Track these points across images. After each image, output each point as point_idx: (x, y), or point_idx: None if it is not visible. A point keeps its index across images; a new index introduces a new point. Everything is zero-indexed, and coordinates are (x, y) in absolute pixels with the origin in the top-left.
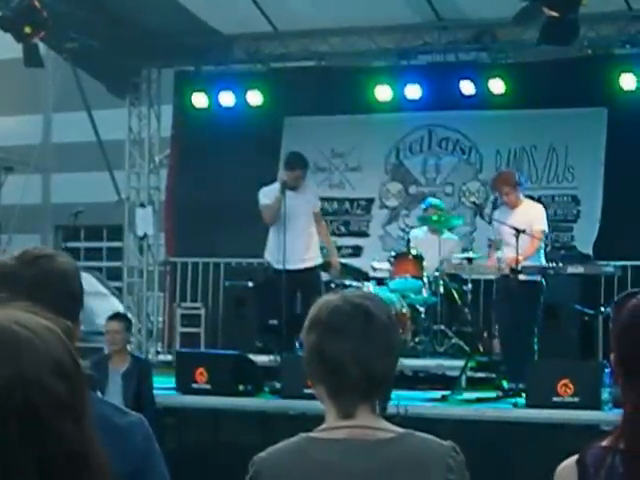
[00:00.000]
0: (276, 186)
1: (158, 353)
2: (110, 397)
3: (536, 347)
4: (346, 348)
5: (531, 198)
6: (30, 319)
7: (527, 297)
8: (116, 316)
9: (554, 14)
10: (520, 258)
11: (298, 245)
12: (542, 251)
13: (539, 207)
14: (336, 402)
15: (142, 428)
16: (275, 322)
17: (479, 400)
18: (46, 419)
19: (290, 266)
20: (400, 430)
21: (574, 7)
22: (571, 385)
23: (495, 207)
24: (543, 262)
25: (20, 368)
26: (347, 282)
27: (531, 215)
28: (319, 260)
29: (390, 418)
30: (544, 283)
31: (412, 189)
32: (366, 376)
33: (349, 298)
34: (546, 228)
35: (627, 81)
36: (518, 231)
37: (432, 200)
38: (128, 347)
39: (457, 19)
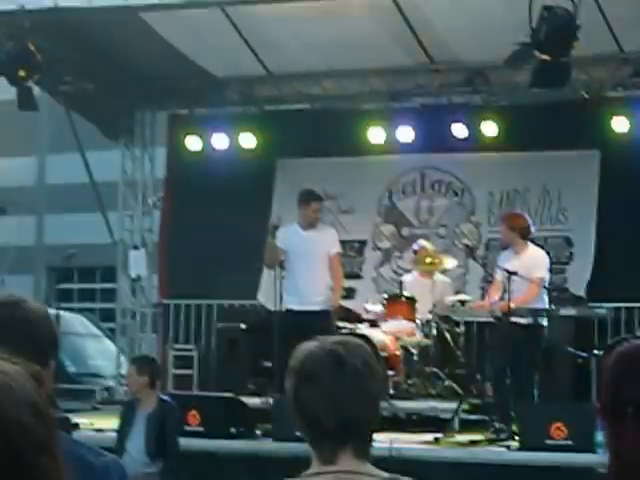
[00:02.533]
0: (289, 228)
1: None
2: (133, 439)
3: (536, 392)
4: (317, 395)
5: (532, 242)
6: (2, 364)
7: (525, 341)
8: (132, 359)
9: (546, 57)
10: (511, 303)
11: (304, 287)
12: (544, 297)
13: (541, 254)
14: (315, 448)
15: (117, 469)
16: (268, 364)
17: (472, 443)
18: (27, 458)
19: (293, 307)
20: (385, 475)
21: (566, 50)
22: (564, 428)
23: (504, 248)
24: None
25: (1, 411)
26: (340, 324)
27: (532, 261)
28: (329, 304)
29: (382, 461)
30: (544, 328)
31: (405, 231)
32: (339, 422)
33: (324, 344)
34: (545, 275)
35: (619, 124)
36: (510, 273)
37: (422, 243)
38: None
39: (449, 62)
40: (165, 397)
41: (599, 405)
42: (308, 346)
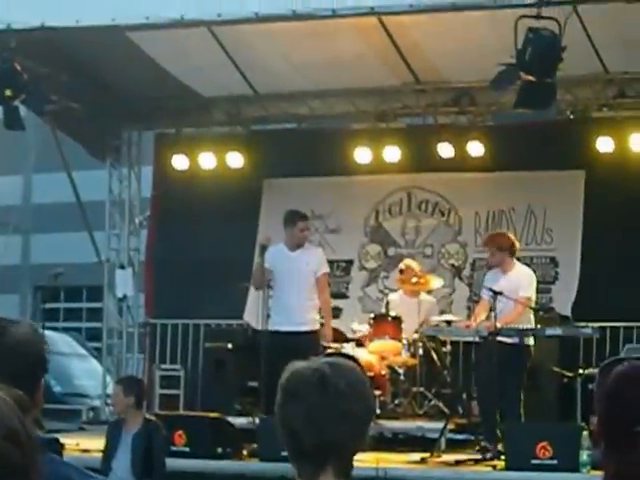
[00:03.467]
0: (276, 248)
1: None
2: (119, 459)
3: (522, 411)
4: (299, 413)
5: (519, 260)
6: None
7: (512, 360)
8: (118, 379)
9: (531, 78)
10: (497, 323)
11: (291, 307)
12: (530, 317)
13: (529, 273)
14: (296, 467)
15: None
16: (255, 384)
17: (458, 462)
18: None
19: (280, 327)
20: None
21: (551, 72)
22: (550, 447)
23: (490, 268)
24: None
25: None
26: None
27: (519, 281)
28: (316, 325)
29: None
30: (530, 347)
31: (391, 251)
32: (319, 442)
33: (312, 363)
34: (531, 295)
35: (604, 144)
36: (495, 293)
37: (406, 262)
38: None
39: (436, 82)
40: (151, 417)
41: (599, 425)
42: (297, 364)
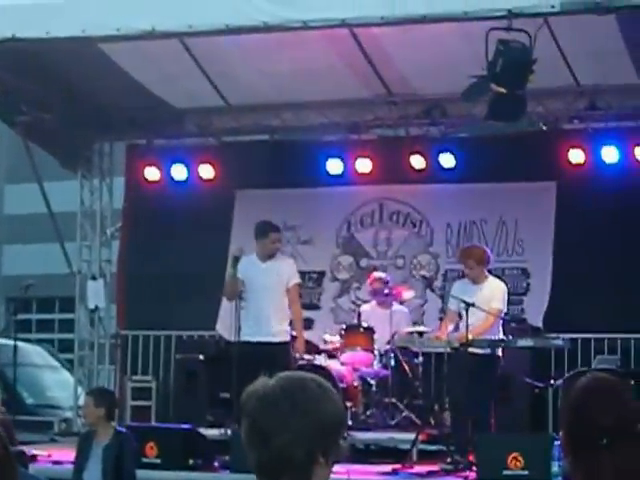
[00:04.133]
0: (247, 259)
1: None
2: (90, 471)
3: (493, 422)
4: (245, 429)
5: (489, 272)
6: None
7: (482, 371)
8: (89, 391)
9: (502, 90)
10: (469, 334)
11: (262, 318)
12: (500, 328)
13: (501, 286)
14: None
15: None
16: (227, 395)
17: (430, 473)
18: None
19: (251, 338)
20: None
21: (522, 83)
22: (521, 458)
23: (460, 278)
24: None
25: None
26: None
27: (491, 293)
28: (287, 336)
29: None
30: (500, 357)
31: (363, 262)
32: (262, 457)
33: (268, 381)
34: (503, 307)
35: (575, 156)
36: (467, 304)
37: (376, 274)
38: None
39: (407, 94)
40: (122, 428)
41: (565, 437)
42: (257, 382)
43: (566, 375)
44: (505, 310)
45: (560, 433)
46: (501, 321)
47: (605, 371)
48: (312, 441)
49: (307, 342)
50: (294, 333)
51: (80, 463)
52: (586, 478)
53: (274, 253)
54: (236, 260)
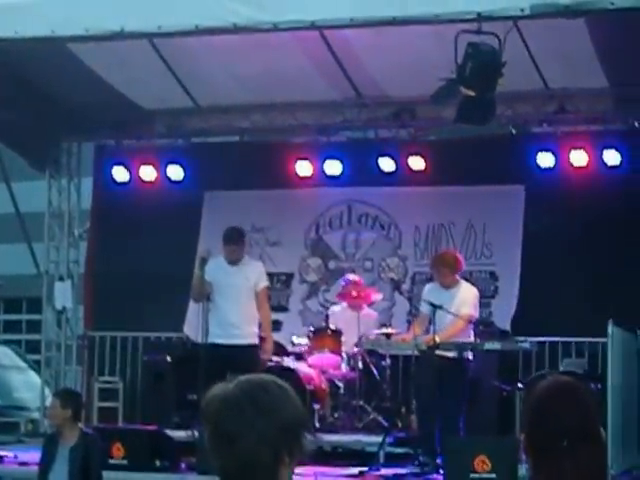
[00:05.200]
0: (216, 261)
1: None
2: (56, 472)
3: (461, 425)
4: (209, 433)
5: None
6: None
7: (451, 374)
8: (56, 392)
9: (471, 93)
10: (437, 337)
11: (230, 320)
12: (470, 332)
13: (473, 291)
14: None
15: None
16: (194, 397)
17: (397, 476)
18: None
19: (220, 340)
20: None
21: (491, 87)
22: (488, 461)
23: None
24: None
25: None
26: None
27: (463, 298)
28: (255, 339)
29: None
30: (469, 361)
31: (332, 264)
32: (228, 461)
33: (227, 386)
34: (474, 313)
35: (544, 159)
36: (435, 307)
37: (351, 277)
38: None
39: (377, 96)
40: (88, 430)
41: (526, 440)
42: (215, 388)
43: (528, 378)
44: (476, 316)
45: (522, 436)
46: (472, 327)
47: (567, 374)
48: (277, 441)
49: (275, 344)
50: (263, 335)
51: (46, 464)
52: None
53: (233, 262)
54: (203, 262)
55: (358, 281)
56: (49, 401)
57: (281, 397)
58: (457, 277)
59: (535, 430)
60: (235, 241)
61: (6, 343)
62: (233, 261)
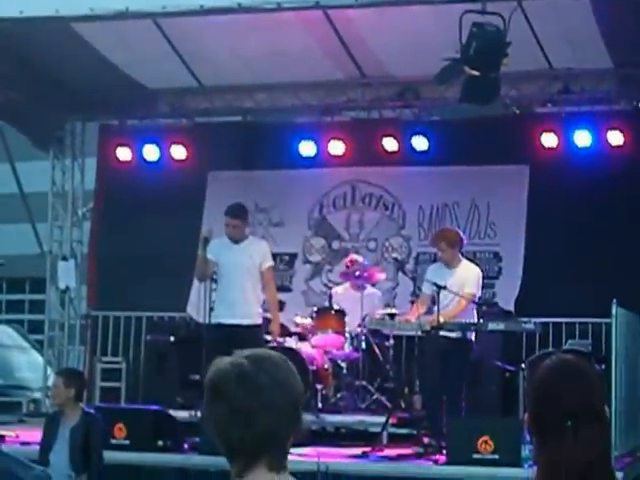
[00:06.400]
0: (220, 241)
1: None
2: (57, 452)
3: (463, 404)
4: (224, 410)
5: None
6: None
7: (454, 354)
8: (59, 371)
9: (475, 73)
10: (441, 317)
11: (234, 300)
12: (473, 313)
13: (476, 270)
14: (230, 463)
15: None
16: (197, 377)
17: (400, 457)
18: None
19: (223, 320)
20: None
21: (495, 67)
22: (491, 442)
23: (430, 262)
24: None
25: None
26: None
27: (465, 277)
28: (259, 319)
29: (309, 475)
30: (473, 341)
31: (335, 244)
32: (248, 437)
33: (235, 359)
34: (477, 292)
35: (548, 139)
36: (439, 287)
37: (354, 257)
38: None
39: (381, 76)
40: (89, 410)
41: (530, 420)
42: (218, 362)
43: (531, 357)
44: (479, 295)
45: (525, 416)
46: (476, 307)
47: (572, 352)
48: (290, 416)
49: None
50: (268, 315)
51: (47, 444)
52: (550, 461)
53: (232, 237)
54: (206, 241)
55: (361, 261)
56: (51, 381)
57: (291, 372)
58: (459, 256)
59: (539, 409)
60: (236, 214)
61: (9, 323)
62: (237, 240)
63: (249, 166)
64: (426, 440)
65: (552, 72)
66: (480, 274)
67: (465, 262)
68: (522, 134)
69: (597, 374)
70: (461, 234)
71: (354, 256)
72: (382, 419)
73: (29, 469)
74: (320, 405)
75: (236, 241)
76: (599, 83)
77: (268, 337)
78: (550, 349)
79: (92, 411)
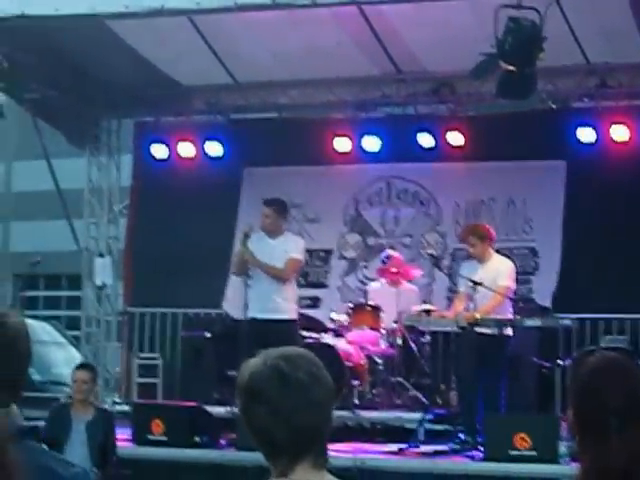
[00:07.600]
0: (257, 235)
1: (115, 403)
2: (73, 447)
3: (500, 401)
4: (265, 411)
5: (497, 252)
6: None
7: (491, 351)
8: (84, 366)
9: (511, 68)
10: (477, 313)
11: (268, 295)
12: (509, 307)
13: (507, 263)
14: (271, 462)
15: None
16: (233, 373)
17: (436, 453)
18: None
19: (259, 315)
20: None
21: (531, 61)
22: (528, 438)
23: (465, 259)
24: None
25: None
26: (305, 334)
27: (497, 271)
28: (294, 314)
29: (345, 471)
30: (510, 337)
31: (371, 240)
32: (291, 436)
33: (266, 359)
34: (511, 284)
35: (585, 134)
36: (475, 283)
37: (390, 253)
38: (92, 398)
39: (416, 72)
40: (103, 405)
41: (574, 419)
42: (251, 363)
43: (574, 354)
44: (514, 287)
45: (567, 414)
46: (512, 303)
47: (614, 350)
48: (329, 411)
49: (314, 320)
50: (303, 311)
51: (53, 436)
52: (595, 460)
53: (266, 228)
54: (246, 237)
55: (398, 257)
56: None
57: (323, 367)
58: (490, 250)
59: (583, 408)
60: (269, 203)
61: (46, 319)
62: (272, 233)
63: (284, 162)
64: (462, 437)
65: (589, 66)
66: (512, 267)
67: (496, 256)
68: (558, 129)
69: None
70: (490, 228)
71: (390, 252)
72: (418, 415)
73: (70, 467)
74: (356, 401)
75: (272, 236)
76: (636, 77)
77: (304, 333)
78: (591, 346)
79: (106, 407)
